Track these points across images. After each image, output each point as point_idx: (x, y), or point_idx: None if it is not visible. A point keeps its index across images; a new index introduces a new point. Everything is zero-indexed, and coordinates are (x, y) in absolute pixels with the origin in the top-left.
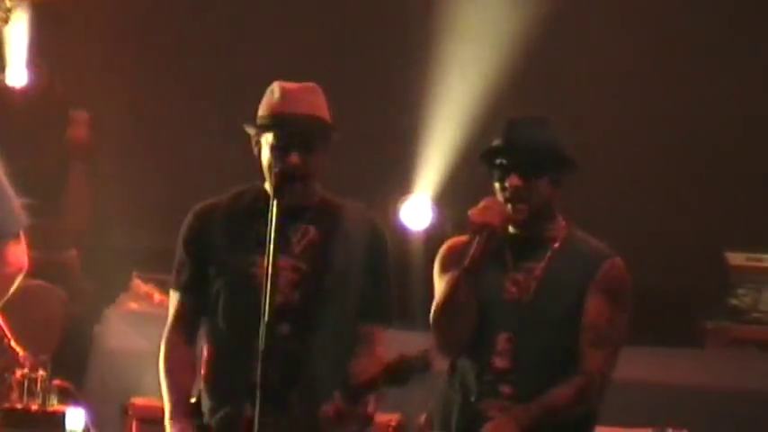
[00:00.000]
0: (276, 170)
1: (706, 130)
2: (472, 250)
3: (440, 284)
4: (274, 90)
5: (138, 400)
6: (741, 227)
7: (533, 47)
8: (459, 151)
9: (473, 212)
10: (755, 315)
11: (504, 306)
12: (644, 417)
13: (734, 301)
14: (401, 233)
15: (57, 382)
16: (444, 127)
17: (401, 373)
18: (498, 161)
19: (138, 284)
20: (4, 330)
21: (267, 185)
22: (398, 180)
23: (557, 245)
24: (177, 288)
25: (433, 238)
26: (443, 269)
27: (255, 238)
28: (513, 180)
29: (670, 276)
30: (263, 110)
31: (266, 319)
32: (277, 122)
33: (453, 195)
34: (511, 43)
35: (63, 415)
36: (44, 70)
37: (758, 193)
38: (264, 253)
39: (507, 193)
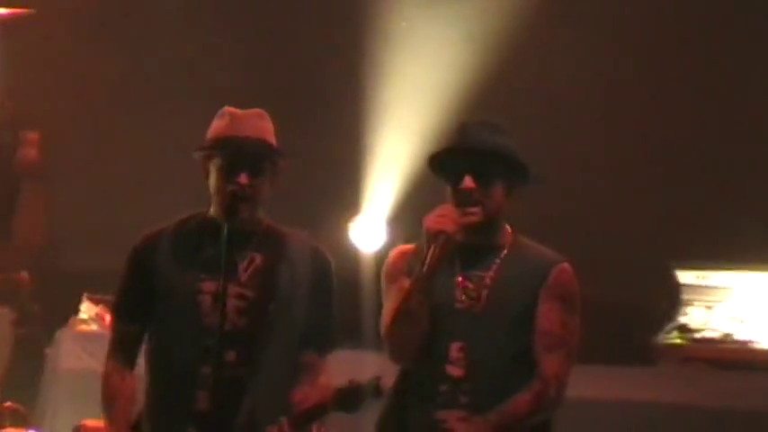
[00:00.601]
0: (226, 190)
1: (658, 149)
2: (428, 257)
3: (389, 293)
4: (222, 114)
5: (90, 422)
6: (691, 245)
7: (484, 64)
8: (410, 172)
9: (428, 219)
10: (705, 333)
11: (456, 314)
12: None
13: (684, 319)
14: (353, 254)
15: (8, 404)
16: (396, 148)
17: (352, 398)
18: (451, 163)
19: (89, 306)
20: None
21: (213, 210)
22: (349, 202)
23: (504, 252)
24: (119, 314)
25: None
26: (392, 278)
27: (201, 263)
28: (467, 182)
29: (621, 294)
30: (211, 133)
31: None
32: (225, 145)
33: (406, 216)
34: (462, 62)
35: None
36: None
37: (709, 211)
38: (210, 278)
39: (460, 196)
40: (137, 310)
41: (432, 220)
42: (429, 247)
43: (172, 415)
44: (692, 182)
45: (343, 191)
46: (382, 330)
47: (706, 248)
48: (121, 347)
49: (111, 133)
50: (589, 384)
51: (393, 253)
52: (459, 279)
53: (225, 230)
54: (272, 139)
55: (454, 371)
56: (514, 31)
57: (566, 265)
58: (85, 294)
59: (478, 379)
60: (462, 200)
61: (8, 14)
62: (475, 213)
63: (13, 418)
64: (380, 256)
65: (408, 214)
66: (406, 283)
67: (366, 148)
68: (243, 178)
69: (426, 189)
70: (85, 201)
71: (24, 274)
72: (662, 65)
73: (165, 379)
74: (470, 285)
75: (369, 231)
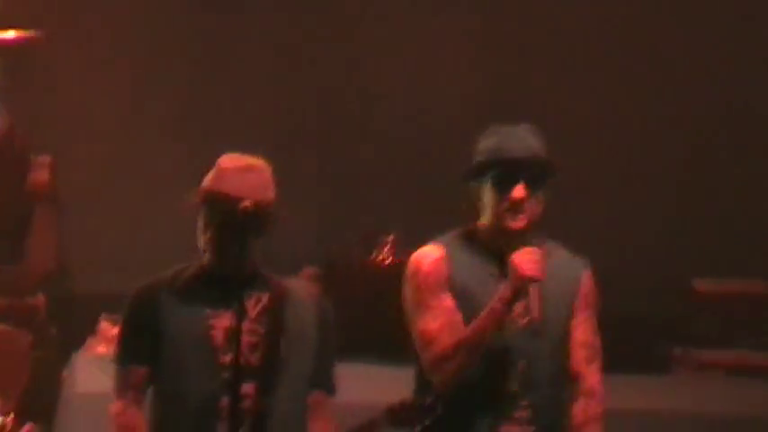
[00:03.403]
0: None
1: (674, 155)
2: (506, 295)
3: (430, 309)
4: (222, 167)
5: None
6: (708, 253)
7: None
8: (426, 186)
9: (524, 266)
10: (723, 341)
11: (514, 329)
12: None
13: (701, 327)
14: (370, 269)
15: (26, 428)
16: (411, 162)
17: (409, 414)
18: (498, 171)
19: (106, 327)
20: None
21: (207, 260)
22: (366, 216)
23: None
24: (123, 358)
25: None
26: (432, 290)
27: (206, 304)
28: (518, 192)
29: (637, 302)
30: (210, 186)
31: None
32: (212, 201)
33: (420, 231)
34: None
35: None
36: (4, 116)
37: (726, 219)
38: (219, 315)
39: (507, 205)
40: (143, 351)
41: (528, 268)
42: (513, 289)
43: None
44: (711, 191)
45: (363, 205)
46: (433, 360)
47: (723, 256)
48: (129, 387)
49: (123, 156)
50: (606, 394)
51: (426, 261)
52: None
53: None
54: (262, 194)
55: (512, 385)
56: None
57: (589, 269)
58: (103, 315)
59: (534, 394)
60: (511, 208)
61: (18, 38)
62: (522, 220)
63: None
64: (396, 270)
65: (422, 228)
66: (449, 300)
67: (385, 162)
68: (235, 239)
69: (439, 203)
70: (99, 223)
71: (40, 298)
72: (683, 71)
73: (180, 415)
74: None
75: (385, 245)
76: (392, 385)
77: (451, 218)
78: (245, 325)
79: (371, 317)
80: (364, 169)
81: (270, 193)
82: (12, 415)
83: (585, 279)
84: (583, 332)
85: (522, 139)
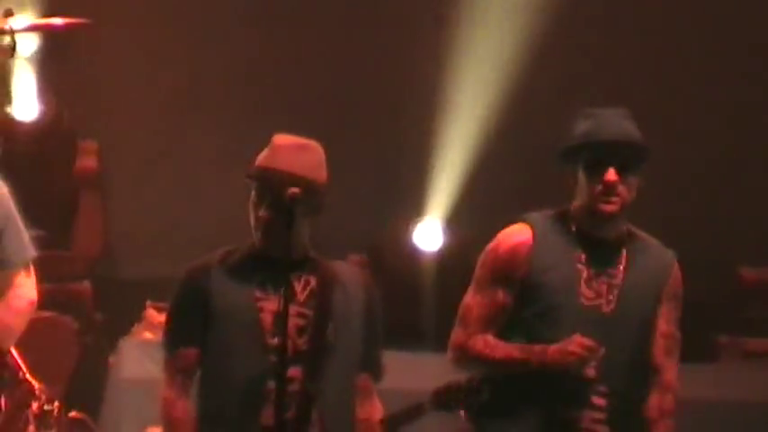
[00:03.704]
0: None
1: (722, 143)
2: (546, 360)
3: (485, 290)
4: (271, 144)
5: (155, 430)
6: (755, 241)
7: (541, 65)
8: (469, 173)
9: (574, 361)
10: None
11: (583, 312)
12: None
13: (748, 315)
14: (414, 256)
15: (73, 414)
16: (455, 149)
17: (454, 396)
18: (591, 154)
19: (152, 314)
20: (18, 363)
21: (257, 239)
22: (411, 203)
23: (626, 247)
24: (173, 340)
25: (445, 259)
26: (498, 273)
27: (256, 284)
28: (611, 175)
29: (685, 292)
30: (261, 162)
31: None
32: (264, 178)
33: (463, 217)
34: (519, 63)
35: None
36: (52, 102)
37: None
38: (268, 298)
39: (601, 187)
40: (192, 334)
41: (578, 364)
42: (555, 362)
43: (237, 429)
44: (758, 179)
45: (405, 192)
46: (455, 334)
47: None
48: (179, 372)
49: (168, 142)
50: None
51: (508, 243)
52: (587, 273)
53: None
54: (316, 175)
55: (587, 370)
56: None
57: (677, 261)
58: (148, 302)
59: (612, 381)
60: (604, 191)
61: (66, 24)
62: (615, 203)
63: (77, 428)
64: (439, 257)
65: (467, 214)
66: (502, 294)
67: (428, 149)
68: (284, 223)
69: (484, 189)
70: (144, 209)
71: (86, 284)
72: (725, 59)
73: (226, 397)
74: (599, 281)
75: (429, 232)
76: (436, 371)
77: (495, 203)
78: (293, 308)
79: (416, 303)
80: (410, 155)
81: (322, 174)
82: (57, 402)
83: (675, 271)
84: (666, 323)
85: (616, 123)
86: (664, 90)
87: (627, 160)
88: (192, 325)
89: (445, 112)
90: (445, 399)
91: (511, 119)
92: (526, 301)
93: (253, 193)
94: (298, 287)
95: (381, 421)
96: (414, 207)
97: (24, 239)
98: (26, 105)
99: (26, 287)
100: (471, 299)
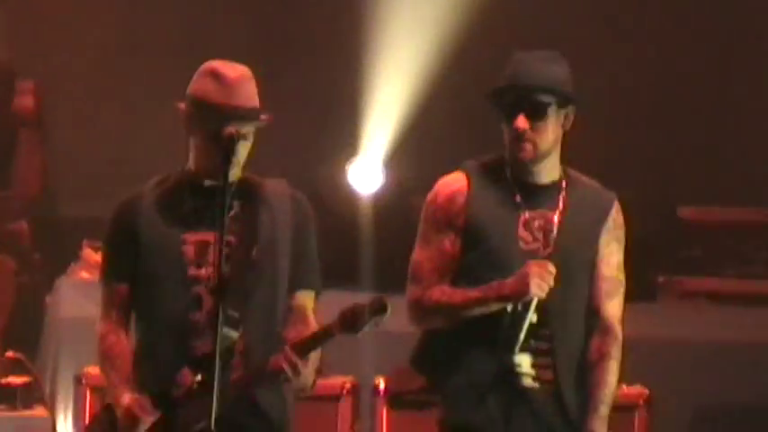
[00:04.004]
0: (217, 153)
1: (661, 82)
2: (504, 294)
3: (432, 241)
4: (212, 74)
5: (92, 370)
6: (693, 180)
7: (484, 6)
8: (407, 112)
9: (533, 281)
10: (706, 267)
11: (521, 255)
12: None
13: (685, 254)
14: (350, 196)
15: (9, 353)
16: (392, 88)
17: (357, 317)
18: (504, 101)
19: (89, 253)
20: None
21: (194, 165)
22: (346, 144)
23: (563, 190)
24: (107, 275)
25: (382, 200)
26: (440, 223)
27: (182, 216)
28: (519, 122)
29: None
30: (199, 94)
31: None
32: (213, 112)
33: (403, 157)
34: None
35: (17, 387)
36: None
37: (711, 149)
38: (192, 230)
39: (513, 134)
40: (123, 269)
41: (537, 285)
42: (513, 295)
43: (168, 363)
44: (695, 119)
45: (340, 132)
46: (411, 292)
47: (707, 184)
48: (113, 307)
49: (107, 81)
50: None
51: (442, 191)
52: (524, 217)
53: (207, 188)
54: (256, 103)
55: (528, 315)
56: None
57: (617, 201)
58: (85, 241)
59: (554, 325)
60: (516, 137)
61: None
62: (527, 151)
63: (14, 368)
64: (378, 198)
65: (405, 155)
66: (449, 242)
67: (362, 89)
68: (234, 142)
69: (422, 130)
70: (83, 148)
71: (23, 223)
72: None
73: (156, 331)
74: (535, 225)
75: (366, 173)
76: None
77: (435, 146)
78: (217, 237)
79: (354, 243)
80: (346, 96)
81: (257, 100)
82: None
83: (615, 212)
84: (606, 266)
85: (535, 67)
86: (599, 26)
87: (539, 106)
88: (123, 260)
89: (381, 47)
90: (351, 320)
91: (451, 61)
92: (467, 247)
93: (208, 130)
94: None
95: (291, 346)
96: (350, 148)
97: None
98: None
99: None
100: (419, 254)
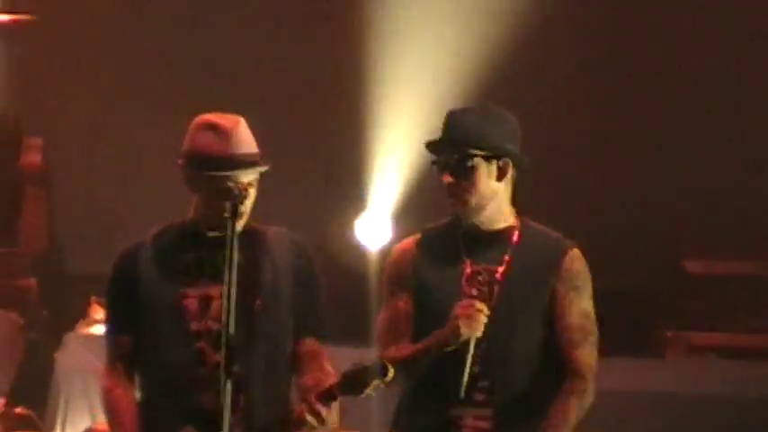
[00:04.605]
0: (222, 205)
1: (664, 137)
2: (442, 341)
3: (389, 299)
4: (202, 126)
5: (101, 425)
6: (698, 233)
7: (484, 53)
8: (414, 166)
9: (463, 321)
10: (714, 322)
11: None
12: (604, 426)
13: (691, 308)
14: (358, 252)
15: (18, 409)
16: (399, 142)
17: (358, 379)
18: (433, 158)
19: (97, 309)
20: None
21: (195, 215)
22: (354, 198)
23: (513, 241)
24: (112, 331)
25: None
26: (394, 280)
27: (183, 269)
28: (445, 177)
29: (628, 285)
30: (200, 146)
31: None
32: (212, 163)
33: (412, 211)
34: (465, 48)
35: None
36: None
37: (716, 202)
38: (193, 283)
39: (446, 188)
40: (126, 321)
41: (467, 325)
42: (448, 341)
43: (169, 418)
44: (702, 175)
45: (347, 187)
46: (377, 342)
47: (714, 239)
48: (118, 360)
49: (113, 138)
50: (597, 376)
51: (395, 251)
52: (468, 271)
53: (231, 229)
54: (254, 149)
55: (473, 368)
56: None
57: (575, 250)
58: (93, 297)
59: (495, 376)
60: (448, 191)
61: (10, 21)
62: (457, 205)
63: (23, 424)
64: (387, 253)
65: (414, 209)
66: (402, 302)
67: (369, 143)
68: (240, 194)
69: (431, 183)
70: (89, 204)
71: (32, 280)
72: (666, 54)
73: (160, 386)
74: (480, 278)
75: (374, 228)
76: None
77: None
78: (218, 290)
79: (362, 300)
80: (352, 150)
81: (256, 147)
82: (2, 398)
83: (567, 262)
84: (565, 315)
85: (460, 123)
86: (611, 85)
87: (460, 162)
88: (124, 312)
89: (386, 101)
90: (352, 382)
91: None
92: (416, 306)
93: (191, 173)
94: (223, 267)
95: (315, 395)
96: (357, 202)
97: None
98: None
99: None
100: (379, 318)
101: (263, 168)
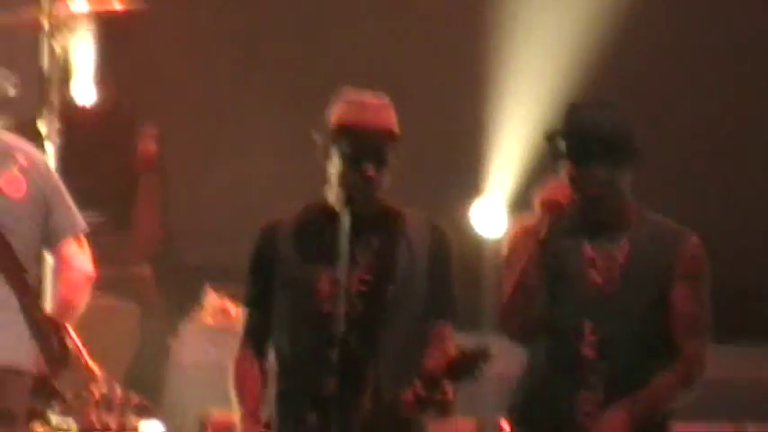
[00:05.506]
0: (349, 179)
1: None
2: (545, 227)
3: (510, 273)
4: (348, 99)
5: (216, 415)
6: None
7: (604, 43)
8: (533, 154)
9: (543, 192)
10: None
11: (588, 292)
12: (723, 412)
13: None
14: (474, 240)
15: (134, 398)
16: (518, 129)
17: (463, 365)
18: (556, 147)
19: (213, 298)
20: (80, 348)
21: (331, 195)
22: (470, 185)
23: (633, 227)
24: (246, 304)
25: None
26: (515, 256)
27: (320, 251)
28: (567, 168)
29: (750, 272)
30: (336, 119)
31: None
32: (353, 134)
33: (529, 200)
34: (583, 39)
35: None
36: (111, 86)
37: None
38: (329, 266)
39: (566, 179)
40: (262, 300)
41: (546, 191)
42: (543, 218)
43: (297, 401)
44: None
45: (464, 174)
46: (503, 309)
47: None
48: (251, 336)
49: (230, 127)
50: (715, 362)
51: (515, 230)
52: (588, 253)
53: (345, 218)
54: (396, 129)
55: (588, 351)
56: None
57: (694, 239)
58: (208, 286)
59: (611, 362)
60: (568, 182)
61: (124, 9)
62: (576, 195)
63: (139, 413)
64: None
65: (530, 200)
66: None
67: (488, 130)
68: (370, 171)
69: (549, 172)
70: (204, 194)
71: (146, 269)
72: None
73: (291, 367)
74: (600, 262)
75: (490, 216)
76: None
77: None
78: (354, 274)
79: (477, 288)
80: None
81: (396, 127)
82: (118, 387)
83: (685, 250)
84: (681, 303)
85: (574, 116)
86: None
87: (583, 154)
88: (260, 288)
89: (506, 88)
90: (456, 370)
91: (575, 95)
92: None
93: (342, 152)
94: (358, 249)
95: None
96: (473, 189)
97: (73, 211)
98: (86, 91)
99: (79, 259)
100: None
101: (396, 147)
